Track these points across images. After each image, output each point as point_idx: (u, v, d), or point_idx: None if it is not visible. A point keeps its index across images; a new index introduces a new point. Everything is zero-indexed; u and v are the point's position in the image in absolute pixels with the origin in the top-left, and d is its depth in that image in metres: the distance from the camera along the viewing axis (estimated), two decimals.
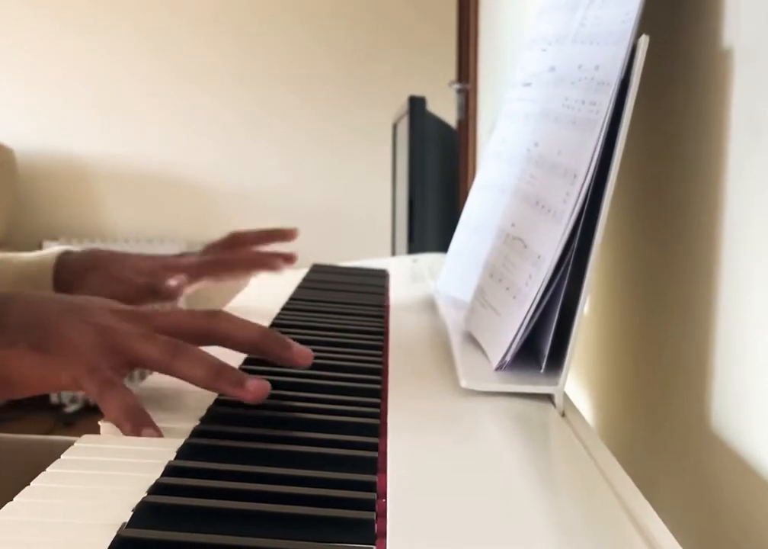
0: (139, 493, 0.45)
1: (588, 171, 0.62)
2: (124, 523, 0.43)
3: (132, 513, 0.43)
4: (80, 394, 3.59)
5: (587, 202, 0.62)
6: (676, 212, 0.70)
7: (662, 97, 0.74)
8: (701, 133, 0.65)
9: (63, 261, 0.96)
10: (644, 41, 0.60)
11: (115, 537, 0.40)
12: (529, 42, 0.93)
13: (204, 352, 0.63)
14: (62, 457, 0.52)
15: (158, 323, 0.65)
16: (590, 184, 0.62)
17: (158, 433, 0.57)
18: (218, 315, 0.67)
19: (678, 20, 0.70)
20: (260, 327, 0.67)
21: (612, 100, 0.61)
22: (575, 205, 0.62)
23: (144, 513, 0.43)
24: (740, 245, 0.58)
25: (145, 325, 0.65)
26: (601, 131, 0.61)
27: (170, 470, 0.49)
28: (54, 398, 3.60)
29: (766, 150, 0.54)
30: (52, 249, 0.96)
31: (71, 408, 3.59)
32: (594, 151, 0.62)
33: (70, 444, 0.54)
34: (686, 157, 0.68)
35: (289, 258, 1.04)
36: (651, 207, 0.77)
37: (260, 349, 0.66)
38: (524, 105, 0.88)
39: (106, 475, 0.50)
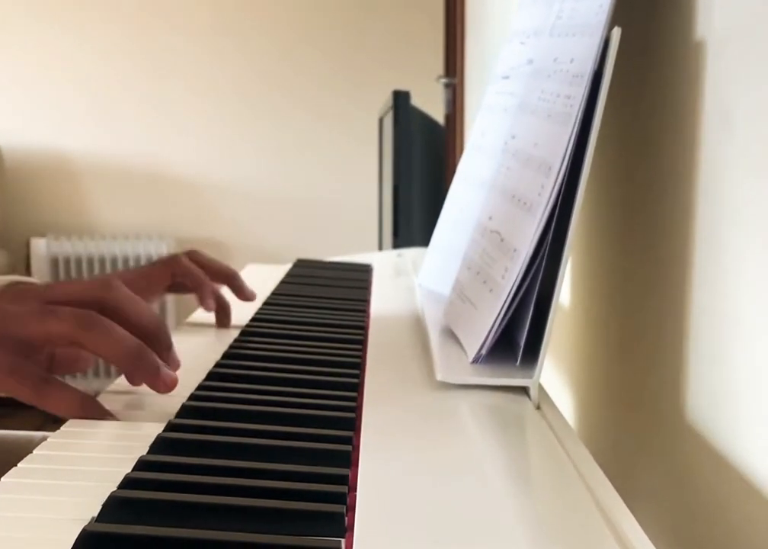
0: (110, 488, 0.45)
1: (562, 163, 0.62)
2: (93, 517, 0.42)
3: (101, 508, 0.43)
4: None
5: (562, 194, 0.62)
6: (652, 204, 0.70)
7: (636, 89, 0.74)
8: (674, 124, 0.65)
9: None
10: (616, 33, 0.60)
11: (81, 532, 0.40)
12: (509, 35, 0.93)
13: (119, 328, 0.59)
14: (34, 452, 0.52)
15: (52, 297, 0.61)
16: (564, 177, 0.62)
17: (114, 417, 0.58)
18: (114, 287, 0.62)
19: (652, 13, 0.70)
20: (155, 316, 0.64)
21: (586, 92, 0.61)
22: (550, 198, 0.62)
23: (113, 508, 0.43)
24: (714, 236, 0.58)
25: (38, 300, 0.61)
26: (575, 124, 0.61)
27: (141, 465, 0.49)
28: None
29: (738, 140, 0.55)
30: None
31: None
32: (568, 144, 0.62)
33: None
34: (660, 148, 0.69)
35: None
36: (627, 199, 0.77)
37: (148, 337, 0.61)
38: (503, 98, 0.88)
39: (78, 470, 0.50)
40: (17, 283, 0.84)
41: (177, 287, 0.91)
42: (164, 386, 0.60)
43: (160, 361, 0.60)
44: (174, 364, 0.65)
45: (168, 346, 0.64)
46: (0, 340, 0.57)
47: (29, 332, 0.58)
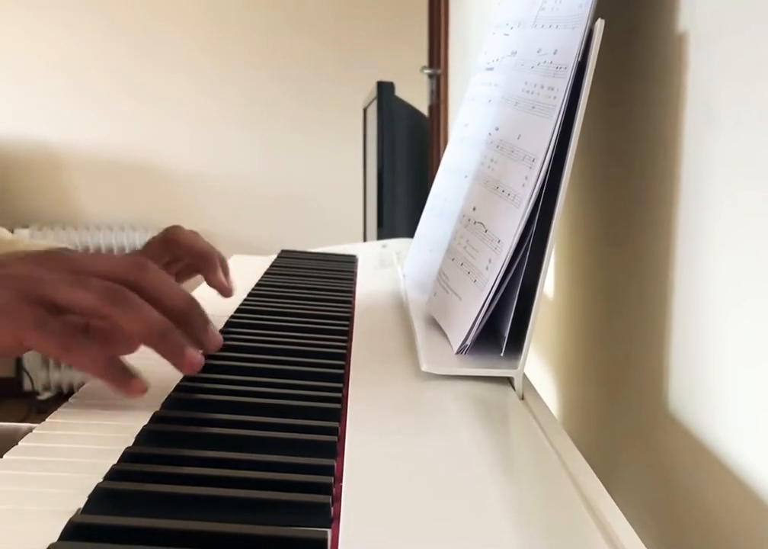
0: (96, 480, 0.45)
1: (546, 155, 0.62)
2: (79, 509, 0.43)
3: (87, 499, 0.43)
4: (53, 380, 3.58)
5: (546, 186, 0.63)
6: (634, 195, 0.71)
7: (620, 81, 0.75)
8: (657, 117, 0.65)
9: None
10: (599, 25, 0.60)
11: (67, 523, 0.40)
12: (493, 26, 0.93)
13: (146, 304, 0.58)
14: (19, 443, 0.52)
15: (83, 267, 0.60)
16: (548, 169, 0.62)
17: (144, 382, 0.56)
18: (148, 267, 0.61)
19: (635, 5, 0.71)
20: (188, 296, 0.62)
21: (570, 84, 0.61)
22: (534, 189, 0.62)
23: (99, 499, 0.43)
24: (696, 229, 0.58)
25: (68, 268, 0.59)
26: (559, 116, 0.62)
27: (127, 456, 0.49)
28: (27, 385, 3.58)
29: (718, 131, 0.55)
30: (49, 244, 0.83)
31: (44, 395, 3.58)
32: (552, 136, 0.62)
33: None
34: (643, 141, 0.69)
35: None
36: (610, 191, 0.78)
37: (182, 319, 0.61)
38: (487, 90, 0.88)
39: (64, 462, 0.50)
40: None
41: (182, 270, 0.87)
42: (189, 366, 0.59)
43: (184, 342, 0.59)
44: (213, 343, 0.63)
45: (204, 326, 0.62)
46: (26, 296, 0.56)
47: (56, 295, 0.57)
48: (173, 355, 0.59)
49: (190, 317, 0.62)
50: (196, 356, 0.60)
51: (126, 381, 0.56)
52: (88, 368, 0.56)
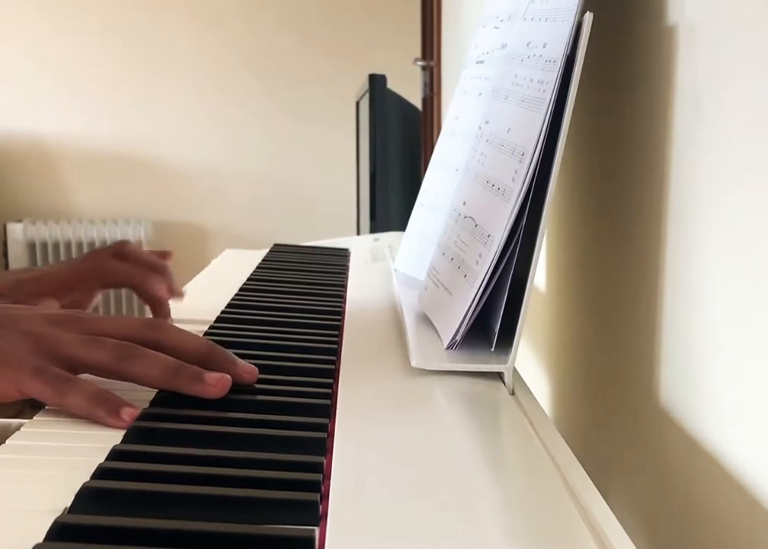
0: (84, 479, 0.45)
1: (536, 149, 0.62)
2: (66, 508, 0.42)
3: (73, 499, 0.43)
4: None
5: (536, 180, 0.62)
6: (625, 188, 0.70)
7: (609, 75, 0.74)
8: (647, 111, 0.65)
9: None
10: (588, 18, 0.60)
11: (53, 523, 0.40)
12: (483, 19, 0.93)
13: (156, 352, 0.60)
14: (7, 441, 0.51)
15: (97, 329, 0.62)
16: (537, 163, 0.62)
17: (137, 409, 0.56)
18: (162, 325, 0.63)
19: None
20: (206, 340, 0.64)
21: (559, 78, 0.61)
22: (523, 183, 0.62)
23: (86, 498, 0.43)
24: (685, 220, 0.58)
25: (82, 330, 0.61)
26: (548, 109, 0.61)
27: (114, 454, 0.48)
28: None
29: (707, 125, 0.55)
30: None
31: None
32: (541, 129, 0.62)
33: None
34: (632, 135, 0.69)
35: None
36: (600, 185, 0.78)
37: (206, 362, 0.61)
38: (477, 83, 0.88)
39: (51, 460, 0.49)
40: None
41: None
42: (214, 388, 0.58)
43: (201, 370, 0.59)
44: (245, 372, 0.62)
45: (230, 361, 0.62)
46: (38, 351, 0.58)
47: (71, 356, 0.59)
48: (193, 384, 0.58)
49: (213, 358, 0.62)
50: (217, 376, 0.59)
51: (118, 413, 0.55)
52: (80, 409, 0.56)
